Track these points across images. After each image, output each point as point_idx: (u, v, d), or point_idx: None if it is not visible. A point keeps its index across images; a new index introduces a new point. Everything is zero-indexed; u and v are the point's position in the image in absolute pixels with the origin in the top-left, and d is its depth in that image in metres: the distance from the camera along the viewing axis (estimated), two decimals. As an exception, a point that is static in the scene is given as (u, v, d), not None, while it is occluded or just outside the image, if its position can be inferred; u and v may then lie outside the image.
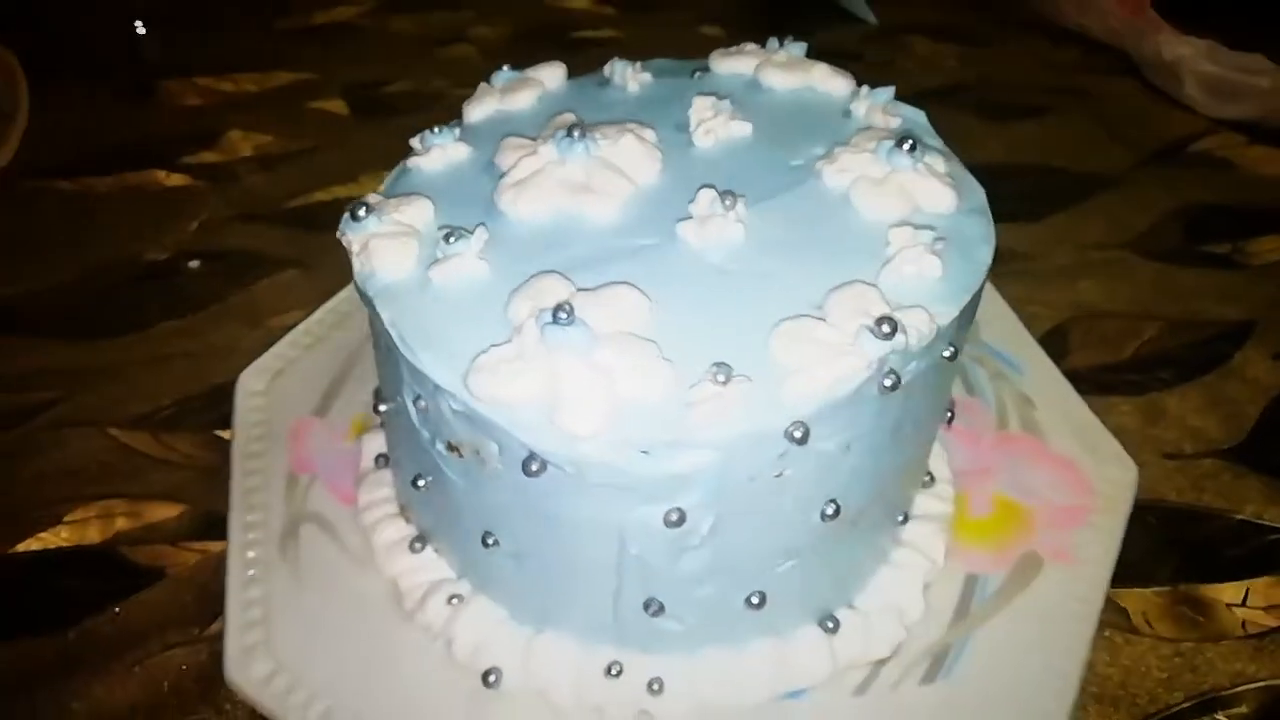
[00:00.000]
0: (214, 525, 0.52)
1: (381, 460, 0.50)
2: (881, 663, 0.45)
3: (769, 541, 0.39)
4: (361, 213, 0.41)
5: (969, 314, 0.41)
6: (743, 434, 0.34)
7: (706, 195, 0.41)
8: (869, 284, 0.38)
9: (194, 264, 0.73)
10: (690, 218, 0.41)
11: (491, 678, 0.42)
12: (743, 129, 0.47)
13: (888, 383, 0.36)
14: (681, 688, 0.42)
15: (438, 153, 0.46)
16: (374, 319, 0.40)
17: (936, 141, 0.48)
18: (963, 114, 0.92)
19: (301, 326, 0.60)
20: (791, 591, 0.42)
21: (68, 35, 1.00)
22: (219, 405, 0.58)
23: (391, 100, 0.93)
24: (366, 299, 0.40)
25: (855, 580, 0.46)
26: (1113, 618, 0.50)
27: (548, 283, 0.37)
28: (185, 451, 0.58)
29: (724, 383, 0.34)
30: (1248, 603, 0.51)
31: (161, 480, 0.57)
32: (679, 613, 0.40)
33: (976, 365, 0.59)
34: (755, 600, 0.41)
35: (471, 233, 0.40)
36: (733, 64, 0.52)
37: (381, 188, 0.45)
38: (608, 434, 0.34)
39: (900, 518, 0.44)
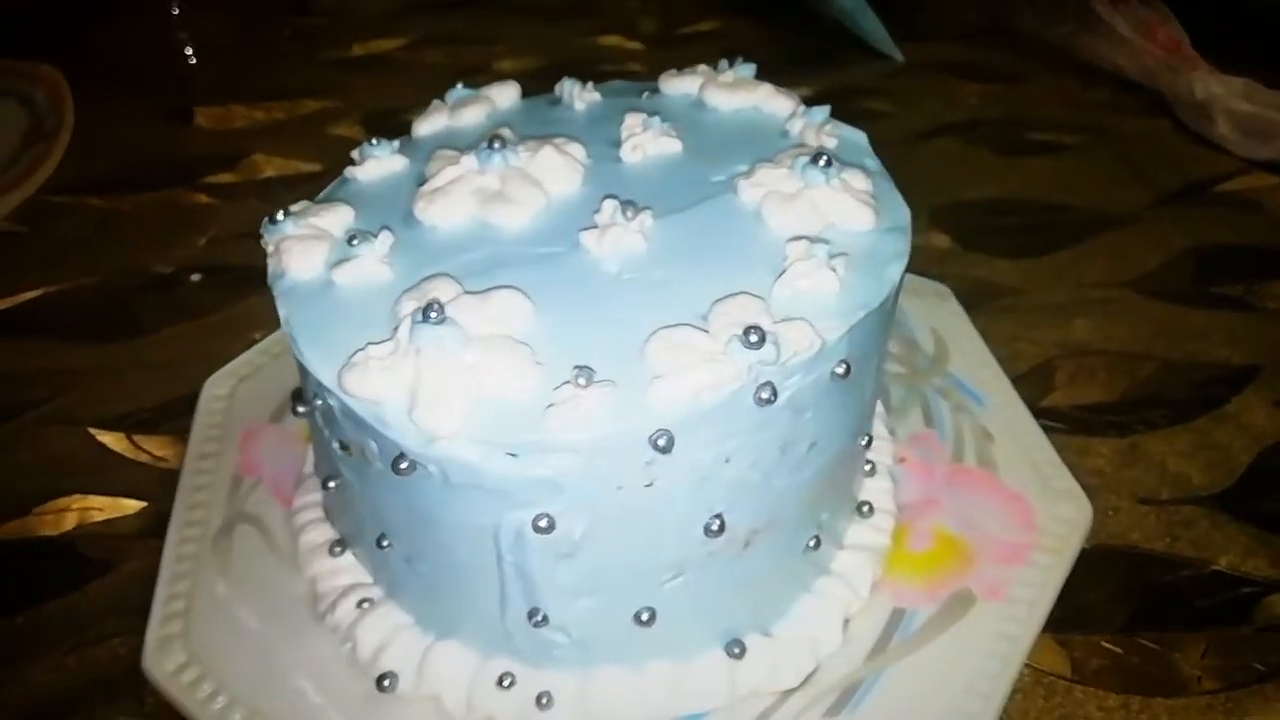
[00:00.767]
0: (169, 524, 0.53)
1: (319, 465, 0.51)
2: (789, 693, 0.43)
3: (649, 554, 0.38)
4: (281, 217, 0.42)
5: (874, 333, 0.40)
6: (604, 438, 0.34)
7: (609, 205, 0.41)
8: (755, 295, 0.37)
9: (196, 277, 0.76)
10: (593, 227, 0.41)
11: (386, 682, 0.42)
12: (672, 145, 0.47)
13: (764, 395, 0.35)
14: (571, 703, 0.41)
15: (373, 164, 0.47)
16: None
17: (874, 163, 0.47)
18: (977, 149, 0.91)
19: (274, 335, 0.62)
20: (684, 611, 0.41)
21: (121, 59, 1.06)
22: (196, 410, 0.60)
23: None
24: (274, 297, 0.41)
25: (770, 607, 0.44)
26: (1053, 664, 0.47)
27: (436, 284, 0.38)
28: (156, 453, 0.61)
29: (585, 385, 0.34)
30: (1207, 657, 0.48)
31: (129, 479, 0.59)
32: (563, 624, 0.40)
33: (939, 397, 0.57)
34: (645, 617, 0.40)
35: (376, 237, 0.40)
36: (680, 84, 0.52)
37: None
38: (468, 434, 0.34)
39: (811, 543, 0.43)
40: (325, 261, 0.41)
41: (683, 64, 0.55)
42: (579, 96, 0.52)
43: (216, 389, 0.59)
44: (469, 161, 0.44)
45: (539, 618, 0.39)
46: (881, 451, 0.52)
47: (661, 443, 0.34)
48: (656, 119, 0.47)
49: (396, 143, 0.49)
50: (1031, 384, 0.63)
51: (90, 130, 0.94)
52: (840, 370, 0.38)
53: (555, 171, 0.44)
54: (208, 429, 0.56)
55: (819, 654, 0.44)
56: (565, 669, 0.42)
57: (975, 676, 0.43)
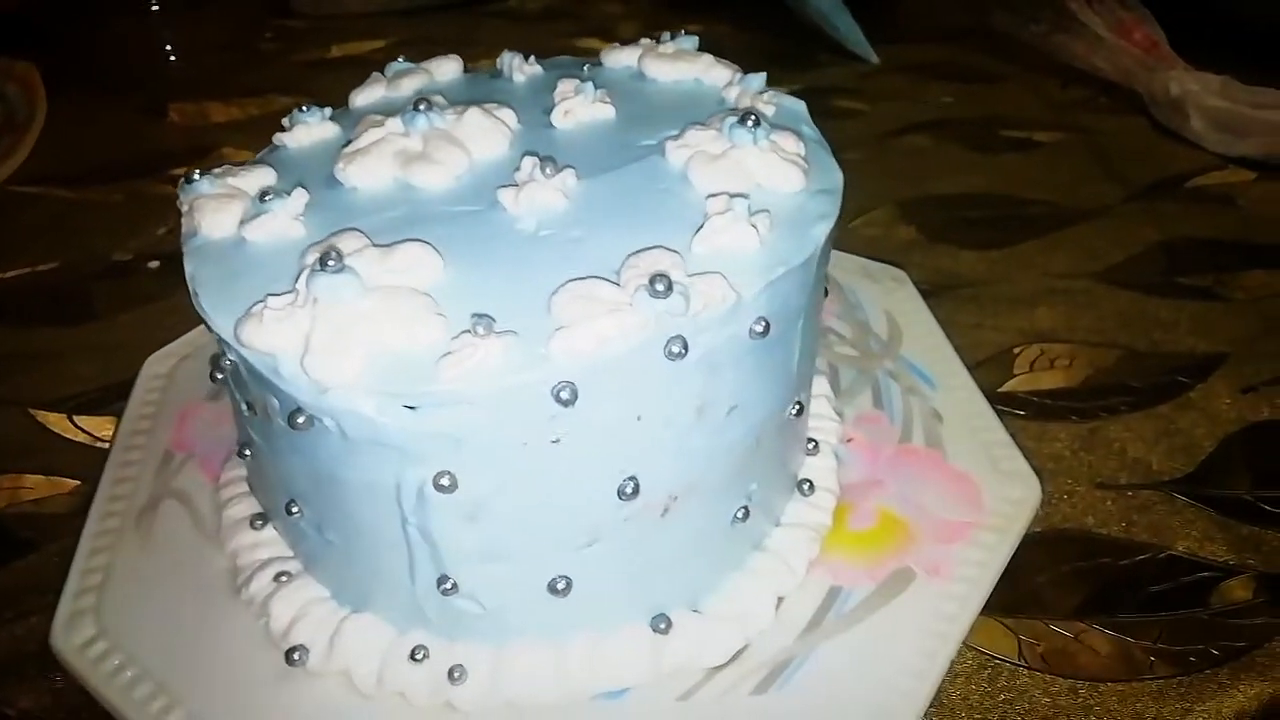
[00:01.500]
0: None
1: (249, 440, 0.50)
2: (716, 670, 0.42)
3: (560, 517, 0.37)
4: (197, 176, 0.42)
5: (796, 293, 0.39)
6: (504, 390, 0.33)
7: (528, 162, 0.40)
8: (670, 250, 0.36)
9: (153, 264, 0.75)
10: (512, 184, 0.40)
11: (296, 655, 0.41)
12: (605, 112, 0.46)
13: (674, 348, 0.34)
14: (485, 677, 0.40)
15: (303, 130, 0.46)
16: (190, 278, 0.40)
17: (811, 131, 0.46)
18: (948, 145, 0.90)
19: (218, 317, 0.61)
20: (604, 581, 0.39)
21: (101, 57, 1.06)
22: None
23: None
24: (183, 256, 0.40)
25: (699, 582, 0.43)
26: (1000, 647, 0.46)
27: (343, 238, 0.37)
28: (96, 433, 0.60)
29: (484, 335, 0.33)
30: (1160, 642, 0.46)
31: (66, 458, 0.58)
32: (473, 592, 0.38)
33: (890, 379, 0.56)
34: (560, 586, 0.38)
35: (289, 194, 0.39)
36: (620, 56, 0.52)
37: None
38: (363, 385, 0.33)
39: (739, 514, 0.42)
40: (239, 220, 0.40)
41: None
42: (519, 69, 0.51)
43: (156, 368, 0.58)
44: (393, 124, 0.43)
45: (448, 585, 0.38)
46: (826, 431, 0.51)
47: (565, 395, 0.33)
48: (589, 85, 0.46)
49: (328, 110, 0.48)
50: (991, 370, 0.62)
51: (63, 125, 0.94)
52: (759, 329, 0.36)
53: (481, 134, 0.43)
54: (143, 406, 0.55)
55: (749, 631, 0.42)
56: (480, 641, 0.40)
57: (911, 655, 0.41)
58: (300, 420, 0.34)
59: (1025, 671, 0.45)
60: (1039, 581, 0.49)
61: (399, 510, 0.36)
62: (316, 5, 1.24)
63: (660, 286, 0.33)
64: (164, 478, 0.51)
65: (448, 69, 0.52)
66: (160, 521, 0.49)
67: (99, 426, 0.60)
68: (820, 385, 0.52)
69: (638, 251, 0.36)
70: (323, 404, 0.33)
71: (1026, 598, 0.48)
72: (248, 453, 0.43)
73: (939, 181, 0.84)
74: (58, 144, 0.92)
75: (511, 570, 0.38)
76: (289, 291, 0.35)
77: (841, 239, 0.44)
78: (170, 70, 1.09)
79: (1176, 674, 0.45)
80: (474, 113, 0.43)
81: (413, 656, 0.40)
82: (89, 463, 0.57)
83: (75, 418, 0.61)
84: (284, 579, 0.44)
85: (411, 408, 0.33)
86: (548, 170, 0.39)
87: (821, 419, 0.51)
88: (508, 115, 0.45)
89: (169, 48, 1.10)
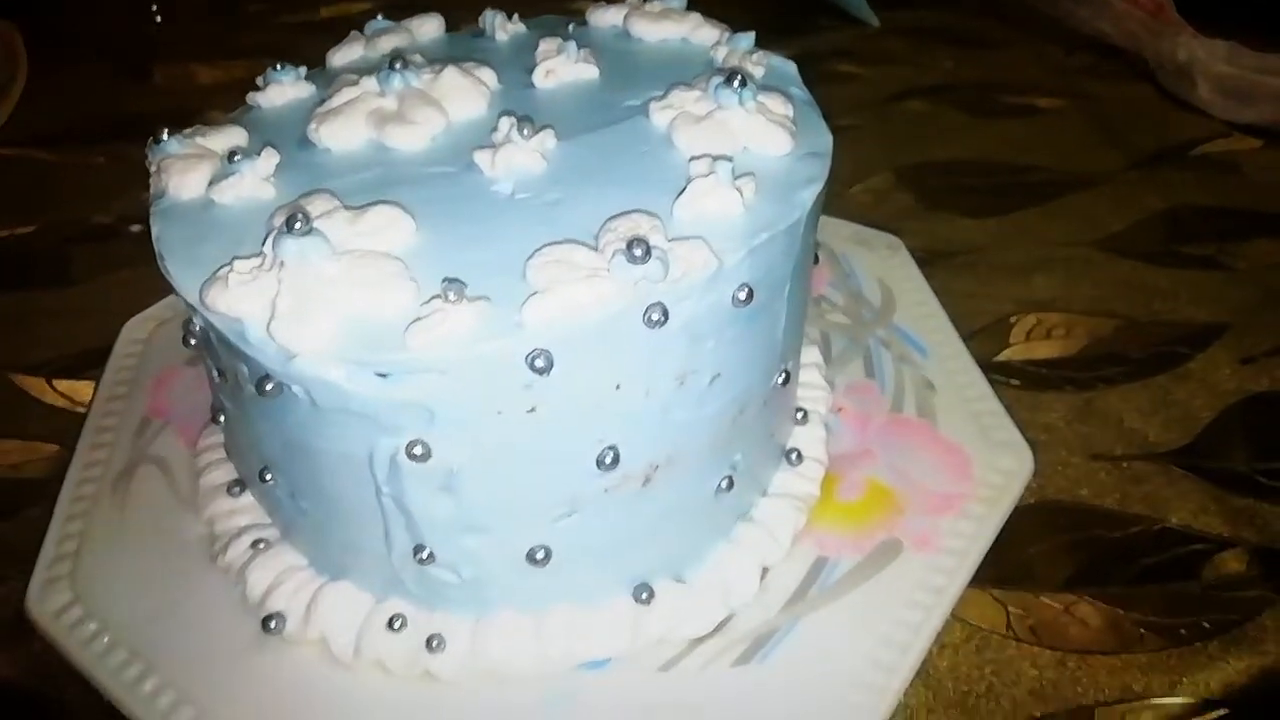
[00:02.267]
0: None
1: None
2: (698, 641, 0.41)
3: (537, 488, 0.36)
4: (165, 136, 0.40)
5: (782, 259, 0.37)
6: (475, 357, 0.32)
7: (505, 122, 0.39)
8: (650, 214, 0.35)
9: (135, 228, 0.74)
10: (489, 146, 0.39)
11: (273, 623, 0.40)
12: (589, 72, 0.45)
13: (654, 316, 0.33)
14: (464, 647, 0.39)
15: (276, 90, 0.45)
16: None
17: (801, 93, 0.45)
18: (948, 111, 0.88)
19: (199, 282, 0.60)
20: (584, 552, 0.39)
21: (86, 19, 1.04)
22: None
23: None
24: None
25: (683, 552, 0.42)
26: (989, 619, 0.45)
27: (312, 200, 0.36)
28: (74, 398, 0.59)
29: (455, 300, 0.32)
30: (1152, 615, 0.45)
31: (44, 423, 0.57)
32: (451, 562, 0.38)
33: (882, 348, 0.55)
34: (539, 557, 0.38)
35: (259, 155, 0.38)
36: (606, 16, 0.50)
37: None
38: (332, 351, 0.32)
39: (723, 484, 0.41)
40: (207, 181, 0.39)
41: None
42: (502, 27, 0.50)
43: (134, 332, 0.57)
44: (368, 83, 0.42)
45: (424, 554, 0.37)
46: (816, 400, 0.50)
47: (539, 364, 0.32)
48: (572, 44, 0.45)
49: (303, 69, 0.47)
50: (986, 340, 0.61)
51: (46, 87, 0.92)
52: (742, 296, 0.35)
53: (458, 94, 0.42)
54: (120, 371, 0.54)
55: (732, 602, 0.42)
56: (460, 611, 0.40)
57: (895, 627, 0.41)
58: (269, 387, 0.33)
59: (1014, 643, 0.44)
60: (1030, 553, 0.48)
61: (372, 479, 0.35)
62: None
63: (639, 252, 0.32)
64: (141, 443, 0.50)
65: (429, 27, 0.51)
66: (137, 487, 0.48)
67: (77, 391, 0.59)
68: (810, 354, 0.51)
69: (616, 216, 0.35)
70: (290, 371, 0.32)
71: (1017, 569, 0.47)
72: (222, 419, 0.42)
73: (937, 147, 0.82)
74: (38, 106, 0.90)
75: (489, 540, 0.37)
76: (256, 255, 0.34)
77: (837, 205, 0.43)
78: (155, 32, 1.07)
79: (1166, 647, 0.44)
80: (451, 72, 0.42)
81: (391, 625, 0.40)
82: (67, 428, 0.56)
83: (54, 382, 0.60)
84: (261, 546, 0.43)
85: (383, 375, 0.32)
86: (525, 131, 0.38)
87: (811, 388, 0.50)
88: (487, 75, 0.44)
89: (154, 8, 1.08)
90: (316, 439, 0.35)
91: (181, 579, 0.44)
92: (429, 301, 0.32)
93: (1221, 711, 0.41)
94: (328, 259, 0.33)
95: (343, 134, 0.41)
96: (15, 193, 0.79)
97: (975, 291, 0.65)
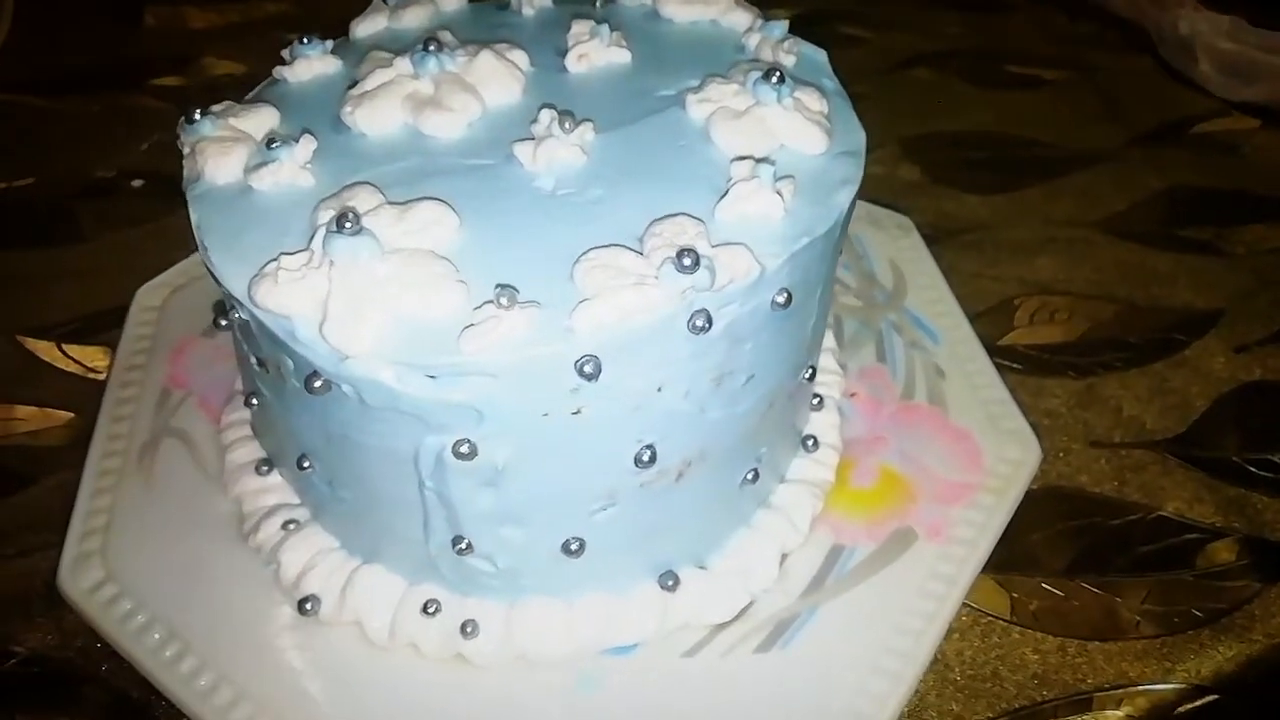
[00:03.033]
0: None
1: (249, 381, 0.49)
2: (722, 627, 0.42)
3: (577, 484, 0.37)
4: (198, 116, 0.40)
5: (818, 262, 0.38)
6: (526, 361, 0.32)
7: (546, 115, 0.38)
8: (694, 217, 0.35)
9: (137, 183, 0.72)
10: (529, 139, 0.38)
11: (308, 605, 0.41)
12: (621, 56, 0.44)
13: (699, 322, 0.33)
14: (497, 632, 0.40)
15: (303, 65, 0.44)
16: (195, 225, 0.39)
17: (832, 83, 0.45)
18: (953, 80, 0.88)
19: (210, 247, 0.59)
20: (615, 542, 0.40)
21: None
22: (128, 321, 0.58)
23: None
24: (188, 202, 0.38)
25: (706, 539, 0.44)
26: (993, 604, 0.47)
27: (356, 193, 0.36)
28: (87, 364, 0.58)
29: (507, 306, 0.32)
30: (1147, 603, 0.47)
31: (58, 389, 0.57)
32: (488, 553, 0.39)
33: (894, 332, 0.56)
34: (574, 547, 0.39)
35: (297, 141, 0.38)
36: (636, -7, 0.49)
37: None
38: (383, 353, 0.32)
39: (749, 476, 0.42)
40: (244, 166, 0.39)
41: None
42: (529, 2, 0.49)
43: (148, 300, 0.56)
44: (402, 64, 0.41)
45: (463, 545, 0.38)
46: (830, 386, 0.51)
47: (588, 369, 0.33)
48: (605, 27, 0.44)
49: (330, 43, 0.46)
50: (991, 322, 0.62)
51: (33, 28, 0.89)
52: (781, 300, 0.36)
53: (493, 79, 0.41)
54: (137, 340, 0.54)
55: (753, 589, 0.43)
56: (493, 598, 0.41)
57: (909, 615, 0.42)
58: (318, 384, 0.34)
59: (1017, 629, 0.46)
60: (1033, 539, 0.50)
61: (416, 474, 0.36)
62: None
63: (688, 261, 0.32)
64: (163, 416, 0.50)
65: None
66: (161, 461, 0.48)
67: (90, 357, 0.59)
68: (826, 339, 0.52)
69: (661, 219, 0.35)
70: (341, 371, 0.33)
71: (1021, 555, 0.49)
72: (255, 402, 0.42)
73: (943, 118, 0.82)
74: (26, 48, 0.87)
75: (527, 532, 0.38)
76: (303, 250, 0.34)
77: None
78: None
79: (1160, 634, 0.46)
80: (486, 55, 0.41)
81: (425, 610, 0.40)
82: (82, 394, 0.56)
83: (65, 346, 0.59)
84: (292, 526, 0.44)
85: (432, 377, 0.33)
86: (566, 125, 0.38)
87: (826, 373, 0.51)
88: (520, 58, 0.43)
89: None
90: (362, 435, 0.35)
91: (211, 556, 0.44)
92: (481, 306, 0.32)
93: (1212, 697, 0.44)
94: (378, 259, 0.33)
95: (378, 118, 0.40)
96: (9, 143, 0.77)
97: (981, 271, 0.66)
